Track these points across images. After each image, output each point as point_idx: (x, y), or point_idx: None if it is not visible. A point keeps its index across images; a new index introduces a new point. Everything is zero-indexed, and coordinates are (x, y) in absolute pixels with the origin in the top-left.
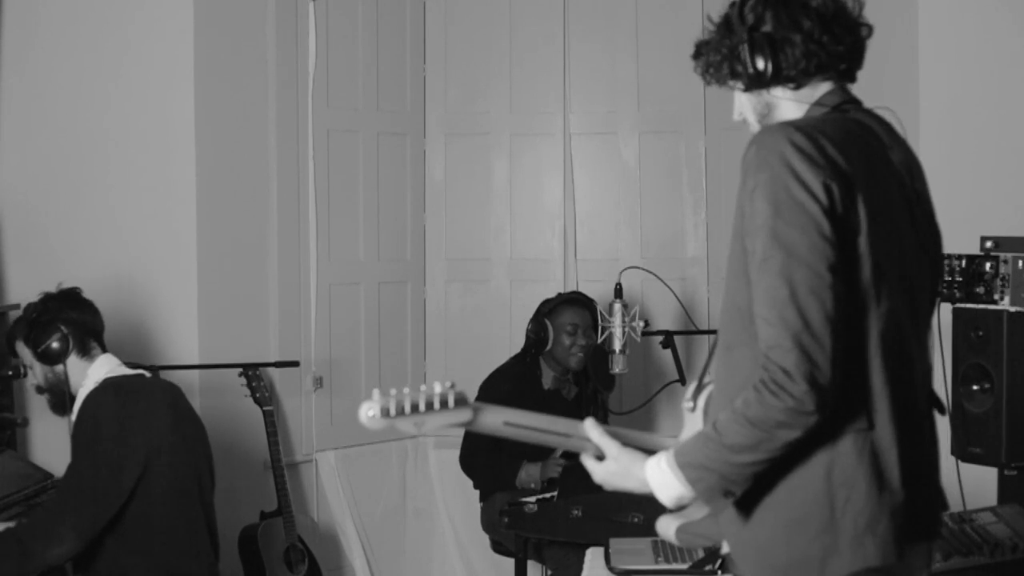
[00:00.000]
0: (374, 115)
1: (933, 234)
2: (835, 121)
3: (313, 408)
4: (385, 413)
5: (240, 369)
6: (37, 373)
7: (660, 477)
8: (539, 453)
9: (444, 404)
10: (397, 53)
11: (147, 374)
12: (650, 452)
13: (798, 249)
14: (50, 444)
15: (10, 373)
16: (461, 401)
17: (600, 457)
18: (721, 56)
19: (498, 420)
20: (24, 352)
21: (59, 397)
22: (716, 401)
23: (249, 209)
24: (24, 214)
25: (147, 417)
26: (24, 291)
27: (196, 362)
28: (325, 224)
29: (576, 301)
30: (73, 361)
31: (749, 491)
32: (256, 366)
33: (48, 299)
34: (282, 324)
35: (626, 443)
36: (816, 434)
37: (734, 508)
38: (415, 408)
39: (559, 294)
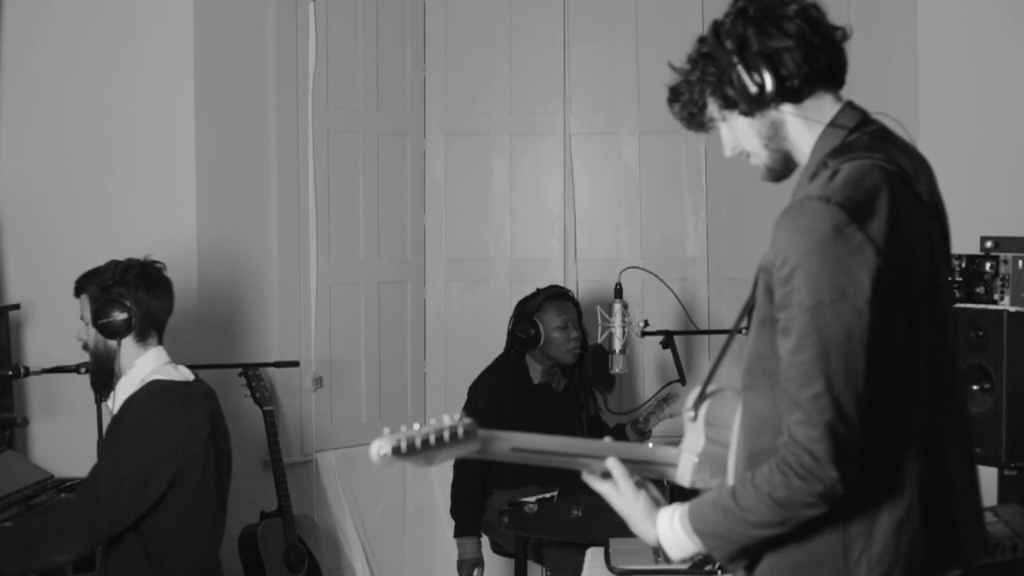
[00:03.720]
0: (374, 115)
1: (948, 268)
2: (866, 173)
3: (313, 408)
4: (396, 451)
5: (240, 369)
6: (90, 334)
7: (674, 539)
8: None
9: (454, 437)
10: (397, 53)
11: (191, 377)
12: (660, 467)
13: (837, 338)
14: (50, 444)
15: (10, 373)
16: (470, 433)
17: (606, 475)
18: (711, 87)
19: (506, 447)
20: (85, 307)
21: (102, 367)
22: (737, 438)
23: (249, 209)
24: (24, 214)
25: (186, 434)
26: (24, 291)
27: (196, 362)
28: (325, 224)
29: (559, 295)
30: (128, 343)
31: None
32: (256, 366)
33: (129, 269)
34: (282, 324)
35: (637, 461)
36: None
37: None
38: (426, 444)
39: (538, 290)
